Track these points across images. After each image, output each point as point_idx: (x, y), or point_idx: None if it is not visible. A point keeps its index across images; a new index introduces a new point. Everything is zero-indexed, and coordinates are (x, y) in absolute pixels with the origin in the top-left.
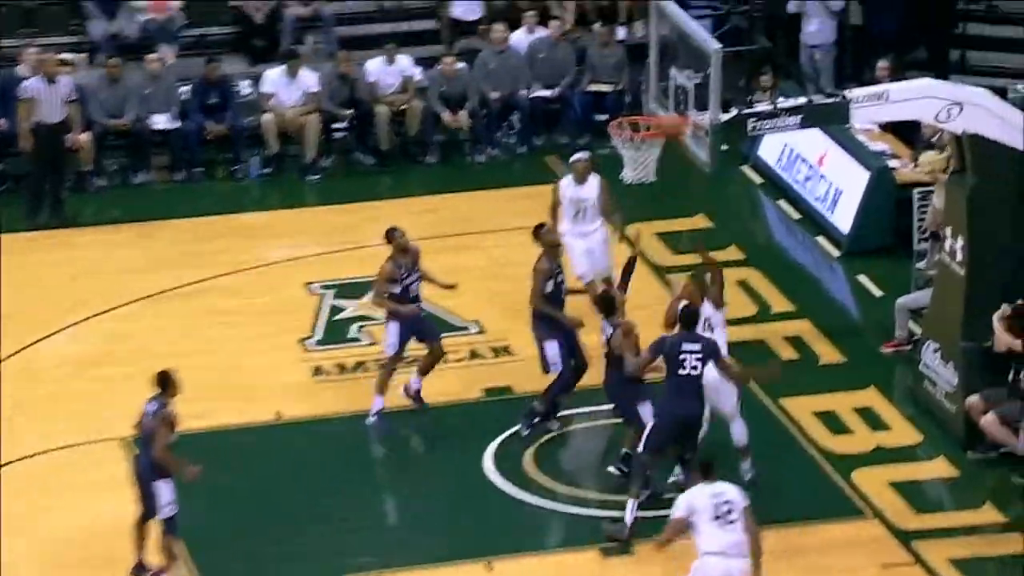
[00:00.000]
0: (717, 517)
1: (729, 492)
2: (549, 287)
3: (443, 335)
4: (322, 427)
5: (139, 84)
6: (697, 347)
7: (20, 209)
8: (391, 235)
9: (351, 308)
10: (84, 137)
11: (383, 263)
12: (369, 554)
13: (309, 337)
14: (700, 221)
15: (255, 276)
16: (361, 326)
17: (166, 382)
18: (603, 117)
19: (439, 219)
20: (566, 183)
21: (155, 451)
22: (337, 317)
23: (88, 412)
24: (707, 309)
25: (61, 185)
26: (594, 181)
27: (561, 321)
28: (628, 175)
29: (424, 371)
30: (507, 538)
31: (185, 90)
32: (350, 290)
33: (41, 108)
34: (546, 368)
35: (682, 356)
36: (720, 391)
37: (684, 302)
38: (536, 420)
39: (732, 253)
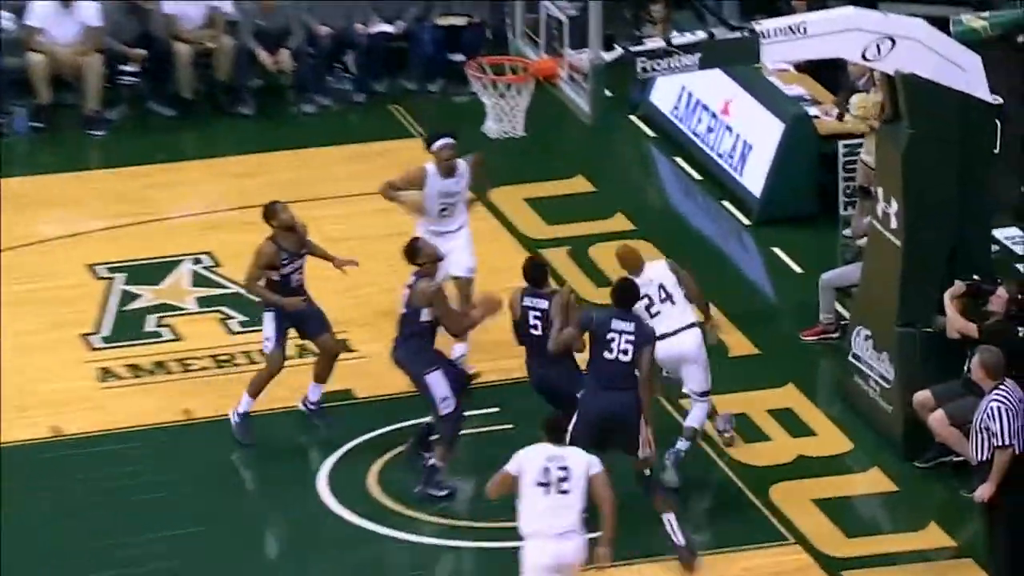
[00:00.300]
0: (544, 483)
1: (571, 459)
2: (426, 315)
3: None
4: (112, 444)
5: None
6: (630, 327)
7: None
8: (272, 211)
9: (147, 295)
10: None
11: (261, 243)
12: None
13: (94, 332)
14: (579, 184)
15: (23, 256)
16: (161, 318)
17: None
18: (459, 57)
19: (256, 184)
20: (432, 176)
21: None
22: (129, 307)
23: None
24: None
25: None
26: (463, 168)
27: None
28: (492, 127)
29: (321, 377)
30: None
31: None
32: (145, 273)
33: None
34: (436, 411)
35: (610, 336)
36: (688, 363)
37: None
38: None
39: (619, 223)
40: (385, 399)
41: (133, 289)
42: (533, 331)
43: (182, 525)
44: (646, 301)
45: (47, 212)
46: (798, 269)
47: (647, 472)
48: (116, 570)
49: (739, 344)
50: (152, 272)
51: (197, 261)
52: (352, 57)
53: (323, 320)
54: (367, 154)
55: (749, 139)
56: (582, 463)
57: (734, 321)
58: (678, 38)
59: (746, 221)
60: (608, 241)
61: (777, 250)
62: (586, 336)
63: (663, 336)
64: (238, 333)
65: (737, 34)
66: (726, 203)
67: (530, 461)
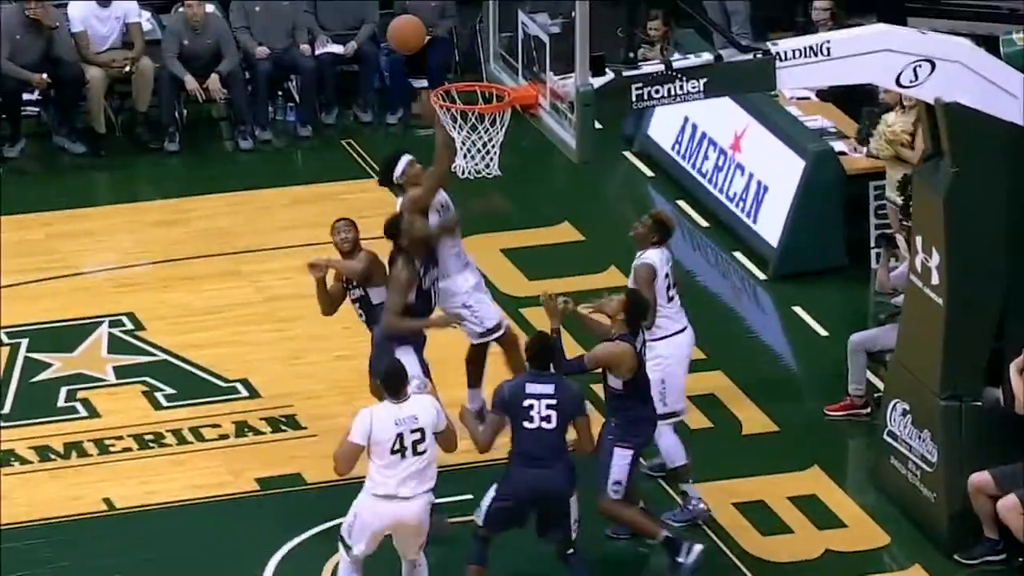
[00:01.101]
0: (398, 450)
1: (421, 413)
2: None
3: (202, 400)
4: (16, 541)
5: None
6: (548, 390)
7: None
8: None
9: (57, 364)
10: None
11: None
12: None
13: None
14: (565, 232)
15: None
16: (73, 391)
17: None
18: (422, 83)
19: (184, 234)
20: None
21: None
22: (36, 378)
23: None
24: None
25: None
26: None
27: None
28: (462, 165)
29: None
30: None
31: None
32: (54, 338)
33: None
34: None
35: (527, 403)
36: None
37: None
38: None
39: (612, 277)
40: (339, 484)
41: (40, 357)
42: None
43: None
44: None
45: None
46: (823, 332)
47: (570, 551)
48: None
49: (755, 420)
50: (62, 337)
51: (115, 324)
52: (296, 83)
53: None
54: (315, 197)
55: (764, 179)
56: (432, 415)
57: (749, 393)
58: (680, 61)
59: (761, 276)
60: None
61: (798, 309)
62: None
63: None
64: (165, 408)
65: (749, 56)
66: (738, 254)
67: (381, 431)
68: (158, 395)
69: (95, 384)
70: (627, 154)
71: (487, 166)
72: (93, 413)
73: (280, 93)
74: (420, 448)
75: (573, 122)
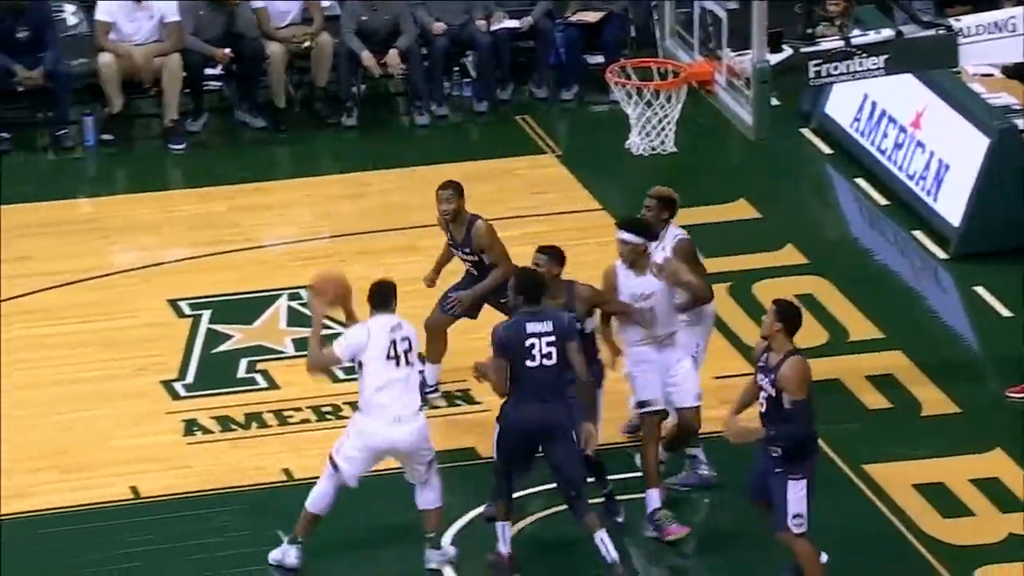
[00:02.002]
0: (393, 356)
1: (406, 325)
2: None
3: None
4: (199, 509)
5: None
6: (547, 327)
7: None
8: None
9: (238, 336)
10: None
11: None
12: None
13: (177, 378)
14: (741, 209)
15: (93, 290)
16: (253, 362)
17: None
18: (598, 59)
19: (361, 208)
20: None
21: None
22: (217, 349)
23: None
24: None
25: None
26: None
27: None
28: (636, 143)
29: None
30: None
31: None
32: (235, 310)
33: None
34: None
35: (529, 342)
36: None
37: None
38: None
39: (788, 255)
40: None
41: (221, 329)
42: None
43: None
44: None
45: (120, 239)
46: (1005, 312)
47: (573, 493)
48: None
49: (935, 401)
50: (243, 309)
51: (294, 297)
52: (473, 59)
53: None
54: (490, 173)
55: (946, 158)
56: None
57: (929, 374)
58: (860, 37)
59: (942, 255)
60: (776, 277)
61: (980, 289)
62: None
63: None
64: (342, 381)
65: (931, 32)
66: (918, 233)
67: (374, 340)
68: (336, 369)
69: (274, 356)
70: (804, 131)
71: (662, 143)
72: (272, 384)
73: (456, 68)
74: (410, 359)
75: (749, 99)
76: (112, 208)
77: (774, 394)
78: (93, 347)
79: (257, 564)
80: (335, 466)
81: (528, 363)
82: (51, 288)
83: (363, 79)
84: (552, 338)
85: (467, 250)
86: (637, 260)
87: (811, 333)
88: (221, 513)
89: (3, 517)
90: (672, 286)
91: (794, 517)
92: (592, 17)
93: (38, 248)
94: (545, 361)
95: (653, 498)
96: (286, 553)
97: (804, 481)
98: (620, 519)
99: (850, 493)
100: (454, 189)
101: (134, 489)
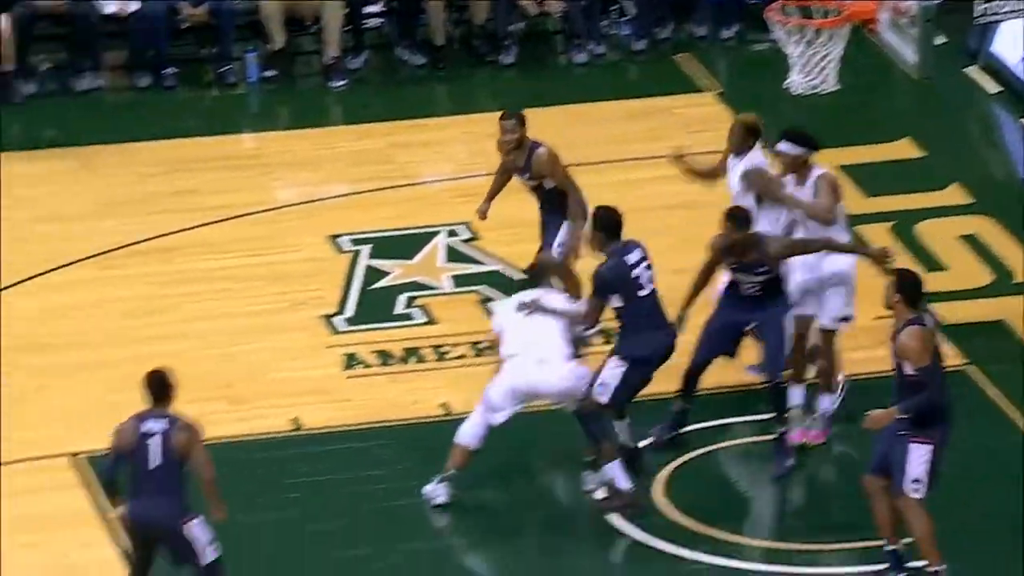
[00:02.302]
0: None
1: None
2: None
3: None
4: (359, 442)
5: None
6: (642, 254)
7: None
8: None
9: (396, 272)
10: (2, 23)
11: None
12: None
13: (337, 313)
14: (905, 148)
15: (255, 225)
16: (412, 298)
17: (164, 387)
18: None
19: None
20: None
21: (203, 476)
22: (376, 285)
23: (21, 418)
24: None
25: None
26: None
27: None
28: (797, 81)
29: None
30: None
31: None
32: (394, 246)
33: None
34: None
35: (634, 274)
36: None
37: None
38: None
39: (953, 195)
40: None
41: (380, 264)
42: None
43: (440, 537)
44: None
45: (281, 174)
46: None
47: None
48: None
49: None
50: (401, 245)
51: (452, 234)
52: None
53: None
54: (648, 111)
55: None
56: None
57: None
58: None
59: None
60: (940, 217)
61: None
62: None
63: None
64: None
65: None
66: None
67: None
68: (492, 303)
69: (432, 292)
70: (970, 70)
71: (823, 82)
72: (430, 320)
73: (614, 7)
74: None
75: (914, 37)
76: (273, 144)
77: (896, 364)
78: (255, 281)
79: (411, 498)
80: (487, 402)
81: (639, 293)
82: (215, 222)
83: (521, 17)
84: (647, 262)
85: (528, 175)
86: (799, 171)
87: (975, 274)
88: (379, 446)
89: None
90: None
91: (913, 481)
92: None
93: (203, 182)
94: (649, 286)
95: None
96: (436, 489)
97: (929, 447)
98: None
99: (1009, 430)
100: (517, 119)
101: (295, 421)
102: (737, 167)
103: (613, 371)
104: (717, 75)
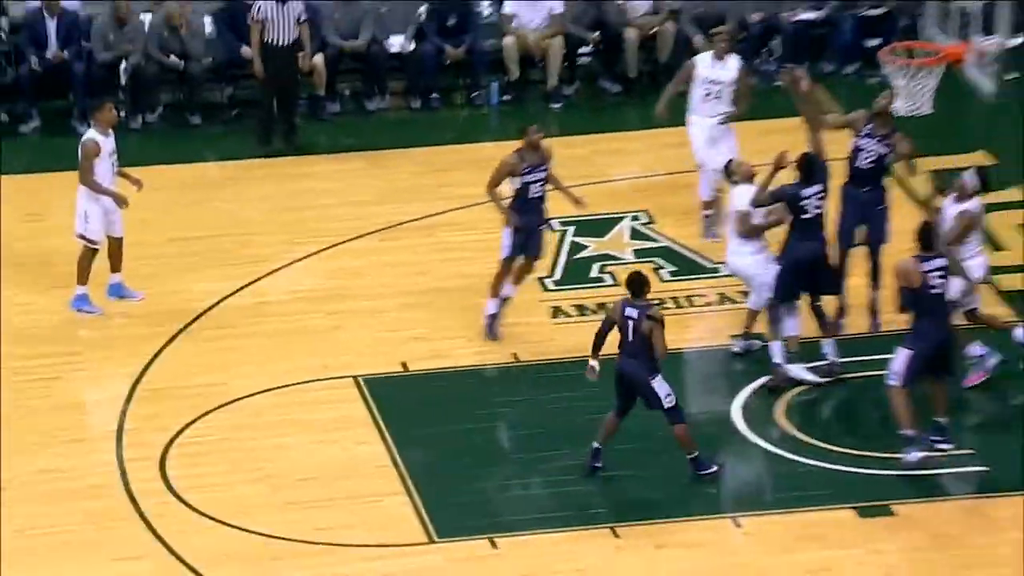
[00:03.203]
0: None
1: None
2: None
3: (695, 276)
4: (560, 371)
5: (375, 4)
6: (817, 188)
7: (252, 135)
8: (524, 130)
9: (593, 246)
10: (317, 60)
11: (506, 155)
12: (604, 505)
13: (548, 276)
14: (980, 157)
15: (491, 211)
16: (604, 266)
17: (640, 284)
18: (875, 42)
19: (688, 153)
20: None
21: (659, 350)
22: (578, 255)
23: (320, 349)
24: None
25: (293, 110)
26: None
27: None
28: (900, 106)
29: (516, 280)
30: (759, 494)
31: (423, 10)
32: (591, 227)
33: (272, 30)
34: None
35: (802, 203)
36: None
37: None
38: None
39: (1015, 194)
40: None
41: (581, 240)
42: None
43: (614, 440)
44: None
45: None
46: None
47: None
48: (563, 473)
49: None
50: (597, 226)
51: (635, 218)
52: (779, 41)
53: (540, 247)
54: (785, 130)
55: None
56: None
57: None
58: None
59: None
60: (1004, 211)
61: None
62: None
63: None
64: (668, 281)
65: None
66: None
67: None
68: (663, 271)
69: (618, 261)
70: None
71: (920, 107)
72: (617, 283)
73: (765, 49)
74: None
75: (991, 73)
76: (509, 150)
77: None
78: (488, 252)
79: (602, 413)
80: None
81: (804, 216)
82: (464, 207)
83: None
84: (824, 193)
85: (543, 168)
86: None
87: None
88: (577, 377)
89: (424, 371)
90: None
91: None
92: (875, 11)
93: (457, 178)
94: (815, 211)
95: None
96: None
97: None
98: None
99: None
100: (540, 124)
101: (514, 355)
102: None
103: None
104: (840, 101)
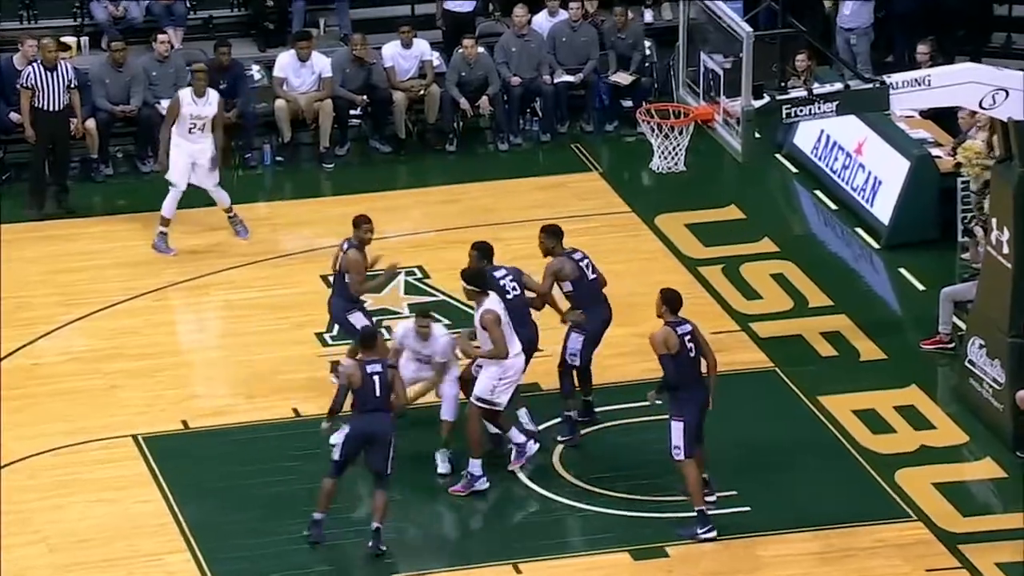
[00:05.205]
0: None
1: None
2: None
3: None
4: (340, 425)
5: (145, 68)
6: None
7: (23, 199)
8: (358, 222)
9: (370, 301)
10: (89, 124)
11: (353, 254)
12: (390, 556)
13: (327, 331)
14: (732, 212)
15: (269, 268)
16: (380, 320)
17: (373, 337)
18: (629, 104)
19: (458, 210)
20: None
21: (400, 401)
22: None
23: (98, 409)
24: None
25: (65, 174)
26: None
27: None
28: (657, 164)
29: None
30: (535, 540)
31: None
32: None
33: (42, 95)
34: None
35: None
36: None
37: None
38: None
39: (766, 245)
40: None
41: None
42: None
43: (397, 491)
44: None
45: (287, 231)
46: (920, 287)
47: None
48: (347, 526)
49: (869, 350)
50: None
51: (410, 273)
52: (540, 103)
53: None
54: (551, 185)
55: (879, 175)
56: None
57: (864, 330)
58: (819, 88)
59: (876, 245)
60: (756, 261)
61: (903, 270)
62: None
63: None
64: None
65: (870, 86)
66: (859, 230)
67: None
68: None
69: (394, 315)
70: (779, 156)
71: (675, 164)
72: (391, 336)
73: (528, 110)
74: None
75: (739, 132)
76: (282, 209)
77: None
78: (267, 309)
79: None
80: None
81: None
82: (237, 267)
83: (461, 118)
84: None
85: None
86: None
87: (781, 301)
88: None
89: (204, 428)
90: None
91: (674, 448)
92: (624, 80)
93: (230, 238)
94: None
95: None
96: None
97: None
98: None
99: (806, 416)
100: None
101: (295, 410)
102: None
103: None
104: (600, 159)
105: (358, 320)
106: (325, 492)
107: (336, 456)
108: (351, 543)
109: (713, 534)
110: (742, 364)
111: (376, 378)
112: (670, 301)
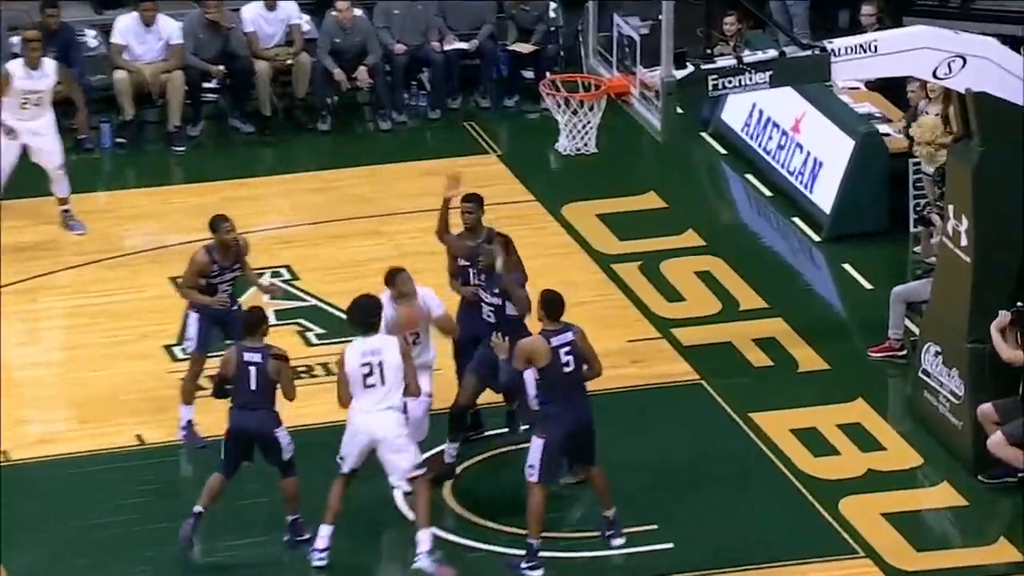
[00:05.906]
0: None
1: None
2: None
3: (348, 339)
4: (194, 452)
5: None
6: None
7: None
8: (214, 224)
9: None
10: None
11: (197, 252)
12: None
13: (176, 344)
14: (651, 200)
15: (108, 270)
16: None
17: (258, 321)
18: (532, 75)
19: (333, 199)
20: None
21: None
22: None
23: None
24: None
25: None
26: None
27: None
28: (564, 144)
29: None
30: None
31: (15, 41)
32: None
33: None
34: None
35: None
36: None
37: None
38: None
39: (690, 239)
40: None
41: None
42: None
43: (265, 528)
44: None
45: (131, 226)
46: (868, 285)
47: None
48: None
49: (809, 359)
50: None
51: (276, 274)
52: (428, 74)
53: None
54: (441, 169)
55: (820, 156)
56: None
57: (804, 336)
58: (749, 56)
59: (816, 237)
60: (679, 257)
61: (847, 266)
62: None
63: None
64: (316, 345)
65: (808, 53)
66: (796, 220)
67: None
68: (310, 334)
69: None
70: (704, 135)
71: (585, 144)
72: None
73: (414, 82)
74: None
75: (658, 108)
76: (124, 200)
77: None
78: (107, 316)
79: (246, 500)
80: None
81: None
82: (75, 267)
83: (336, 92)
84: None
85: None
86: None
87: (708, 303)
88: (215, 458)
89: (30, 460)
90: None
91: (528, 466)
92: (525, 49)
93: (64, 233)
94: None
95: None
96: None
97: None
98: None
99: (737, 436)
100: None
101: (139, 436)
102: None
103: None
104: (498, 140)
105: (192, 324)
106: (211, 487)
107: (222, 456)
108: None
109: (538, 574)
110: (663, 377)
111: (252, 369)
112: (547, 305)
